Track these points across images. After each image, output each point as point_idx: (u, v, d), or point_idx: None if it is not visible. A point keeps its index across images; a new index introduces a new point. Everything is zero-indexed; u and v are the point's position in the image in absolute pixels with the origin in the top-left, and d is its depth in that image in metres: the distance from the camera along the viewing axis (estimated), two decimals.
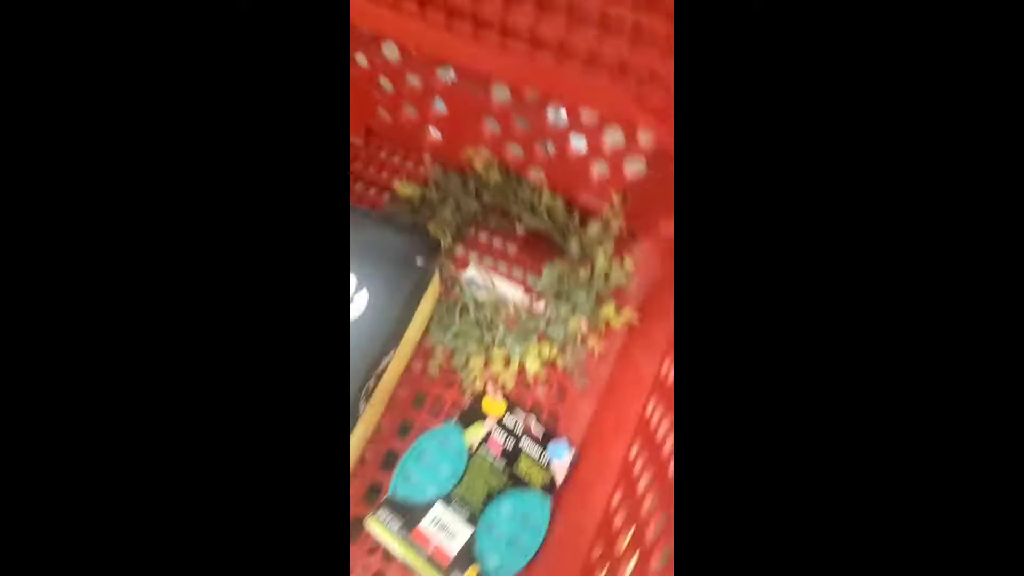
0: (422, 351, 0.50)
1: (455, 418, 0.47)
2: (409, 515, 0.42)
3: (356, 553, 0.42)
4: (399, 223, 0.51)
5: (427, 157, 0.59)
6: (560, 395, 0.50)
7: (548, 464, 0.46)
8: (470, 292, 0.51)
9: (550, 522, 0.43)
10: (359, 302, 0.40)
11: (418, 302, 0.43)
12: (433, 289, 0.48)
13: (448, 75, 0.56)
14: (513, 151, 0.58)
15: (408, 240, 0.43)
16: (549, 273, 0.52)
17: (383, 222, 0.43)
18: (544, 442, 0.47)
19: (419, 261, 0.42)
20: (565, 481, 0.45)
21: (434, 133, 0.60)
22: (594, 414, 0.49)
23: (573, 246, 0.53)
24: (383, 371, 0.40)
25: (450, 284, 0.52)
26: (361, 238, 0.42)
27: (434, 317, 0.50)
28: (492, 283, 0.53)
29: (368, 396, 0.39)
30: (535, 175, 0.58)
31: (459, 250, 0.56)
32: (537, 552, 0.42)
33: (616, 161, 0.54)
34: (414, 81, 0.57)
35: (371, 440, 0.46)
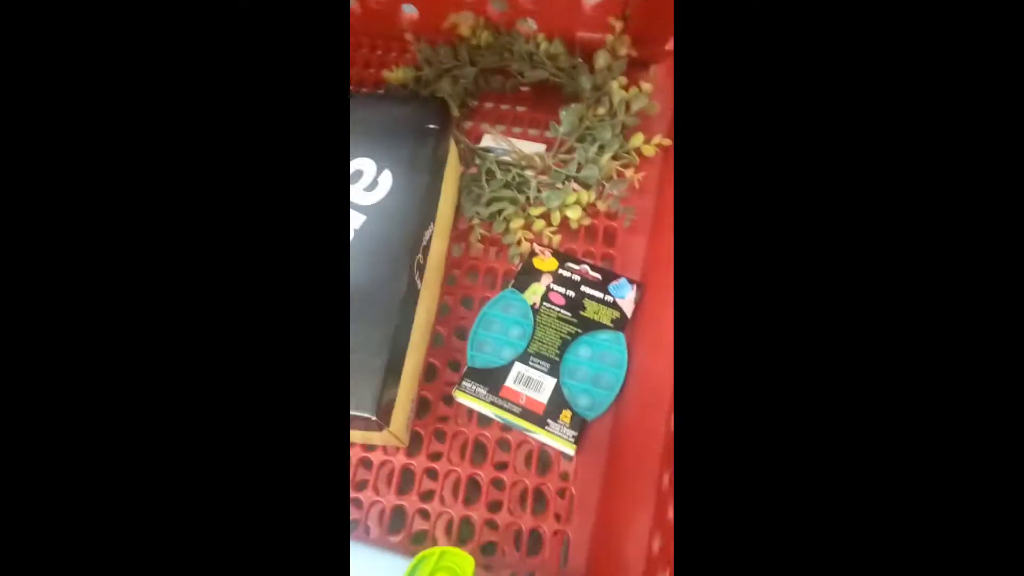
0: (459, 233, 0.49)
1: (511, 284, 0.46)
2: (493, 379, 0.43)
3: (451, 425, 0.43)
4: (401, 96, 0.49)
5: (409, 36, 0.56)
6: (609, 237, 0.49)
7: (613, 302, 0.45)
8: (492, 158, 0.49)
9: (628, 354, 0.43)
10: (384, 183, 0.39)
11: (443, 168, 0.42)
12: (454, 167, 0.46)
13: None
14: (496, 6, 0.54)
15: (415, 108, 0.41)
16: (567, 117, 0.49)
17: (385, 99, 0.41)
18: (604, 284, 0.46)
19: (431, 125, 0.40)
20: (634, 314, 0.45)
21: (409, 10, 0.56)
22: (647, 245, 0.48)
23: (584, 84, 0.50)
24: (428, 245, 0.40)
25: (470, 159, 0.51)
26: (369, 120, 0.40)
27: (463, 193, 0.49)
28: (512, 145, 0.51)
29: (421, 271, 0.39)
30: (525, 26, 0.54)
31: (469, 124, 0.54)
32: (624, 383, 0.43)
33: None
34: None
35: (438, 321, 0.46)
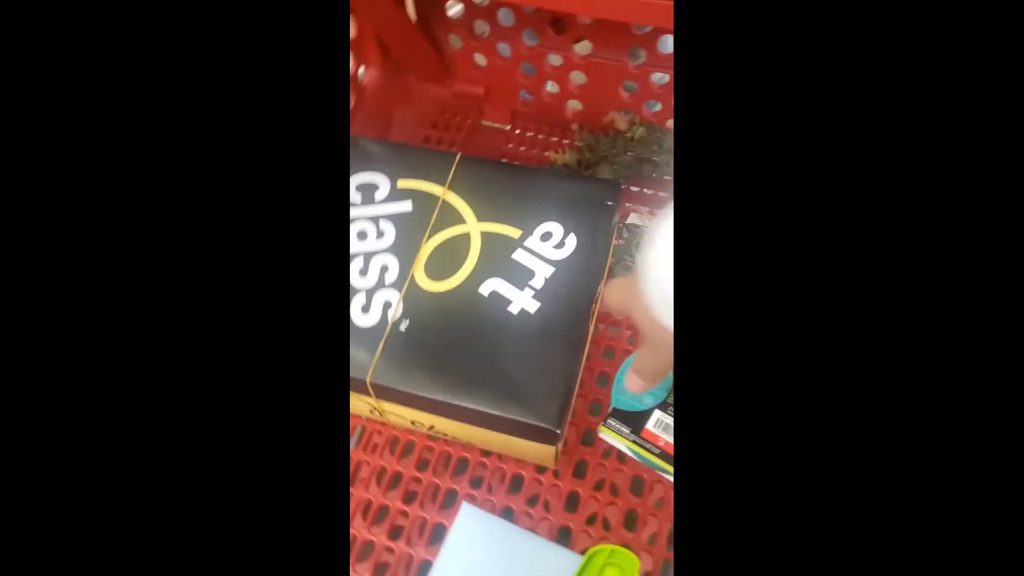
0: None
1: None
2: (635, 422, 0.49)
3: (592, 458, 0.49)
4: (585, 177, 0.58)
5: (575, 126, 0.66)
6: None
7: None
8: (639, 234, 0.58)
9: None
10: (570, 244, 0.47)
11: (612, 238, 0.50)
12: (614, 236, 0.55)
13: (585, 48, 0.62)
14: (652, 107, 0.64)
15: (597, 187, 0.50)
16: None
17: (570, 177, 0.50)
18: None
19: (609, 202, 0.49)
20: None
21: (574, 104, 0.67)
22: None
23: None
24: (598, 297, 0.47)
25: (617, 232, 0.59)
26: (559, 192, 0.49)
27: (614, 259, 0.57)
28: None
29: (593, 317, 0.46)
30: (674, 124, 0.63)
31: None
32: None
33: None
34: (554, 60, 0.64)
35: (585, 365, 0.53)
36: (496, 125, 0.71)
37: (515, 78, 0.67)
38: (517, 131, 0.70)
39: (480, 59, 0.68)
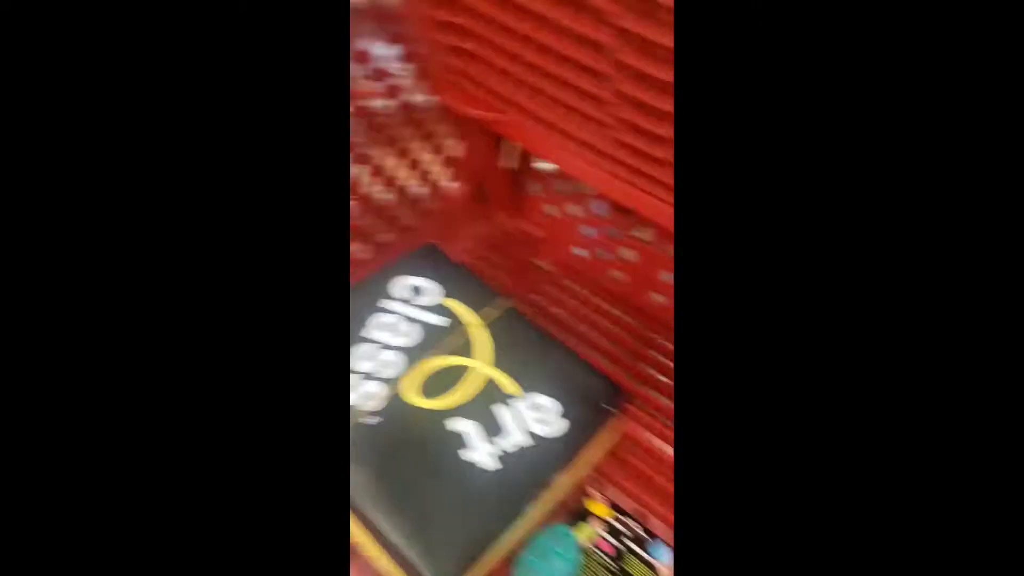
0: None
1: (565, 520, 0.54)
2: None
3: None
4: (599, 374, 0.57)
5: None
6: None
7: (653, 564, 0.53)
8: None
9: None
10: (556, 428, 0.51)
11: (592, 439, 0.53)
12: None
13: (646, 235, 0.68)
14: None
15: (599, 384, 0.54)
16: None
17: (591, 371, 0.54)
18: (645, 543, 0.54)
19: (610, 407, 0.52)
20: None
21: (618, 275, 0.72)
22: None
23: None
24: (550, 485, 0.50)
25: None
26: (574, 378, 0.53)
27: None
28: None
29: (534, 502, 0.49)
30: None
31: None
32: None
33: None
34: (613, 232, 0.70)
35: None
36: (545, 267, 0.75)
37: (574, 235, 0.73)
38: (566, 281, 0.73)
39: (550, 209, 0.74)
